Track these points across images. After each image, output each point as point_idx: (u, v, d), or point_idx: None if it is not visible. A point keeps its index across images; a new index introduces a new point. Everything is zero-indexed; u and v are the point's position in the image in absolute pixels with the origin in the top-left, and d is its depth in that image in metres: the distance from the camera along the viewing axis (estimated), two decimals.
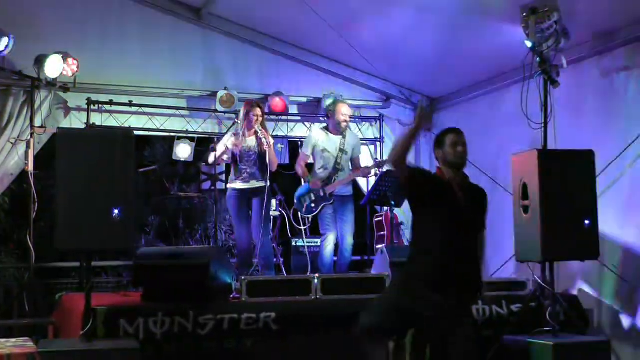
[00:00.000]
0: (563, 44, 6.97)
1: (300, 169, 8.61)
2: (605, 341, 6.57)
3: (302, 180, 8.69)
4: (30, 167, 8.15)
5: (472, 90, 9.53)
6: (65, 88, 8.50)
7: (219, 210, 9.45)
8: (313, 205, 8.44)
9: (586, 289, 7.52)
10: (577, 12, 7.00)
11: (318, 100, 10.01)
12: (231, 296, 6.77)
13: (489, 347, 6.47)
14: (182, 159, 9.68)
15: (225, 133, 8.88)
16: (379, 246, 9.04)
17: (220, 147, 8.31)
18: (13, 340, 6.12)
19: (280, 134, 9.98)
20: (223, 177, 8.74)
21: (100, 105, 9.11)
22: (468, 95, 9.65)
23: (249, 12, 9.45)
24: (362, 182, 9.82)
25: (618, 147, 7.31)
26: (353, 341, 6.33)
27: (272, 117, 9.78)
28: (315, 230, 8.82)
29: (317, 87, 10.12)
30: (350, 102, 9.76)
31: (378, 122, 10.54)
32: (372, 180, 9.03)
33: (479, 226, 5.30)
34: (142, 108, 9.35)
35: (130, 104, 9.26)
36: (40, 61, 8.20)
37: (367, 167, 8.77)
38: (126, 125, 9.17)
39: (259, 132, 8.18)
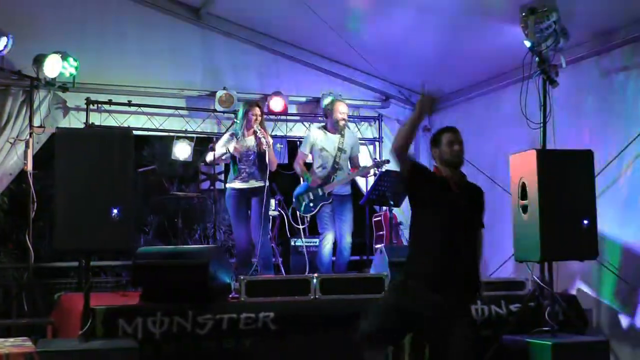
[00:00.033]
0: (562, 44, 6.97)
1: (298, 167, 8.62)
2: (604, 341, 6.57)
3: (301, 179, 8.69)
4: (29, 167, 8.16)
5: (472, 90, 9.53)
6: (64, 88, 8.49)
7: (217, 210, 9.46)
8: (312, 204, 8.44)
9: (585, 288, 7.52)
10: (576, 12, 7.00)
11: (317, 100, 10.02)
12: (230, 296, 6.77)
13: (488, 346, 6.47)
14: (181, 159, 9.68)
15: (224, 133, 8.89)
16: (378, 246, 9.04)
17: (220, 149, 8.32)
18: (11, 339, 6.11)
19: (279, 133, 9.99)
20: (222, 176, 8.74)
21: (99, 105, 9.12)
22: (467, 95, 9.65)
23: (248, 12, 9.45)
24: (361, 181, 9.82)
25: (617, 147, 7.31)
26: (352, 342, 6.37)
27: (271, 116, 9.77)
28: (314, 230, 8.82)
29: (316, 87, 10.13)
30: (349, 102, 9.77)
31: (377, 122, 10.55)
32: (371, 180, 9.03)
33: (476, 224, 5.30)
34: (141, 108, 9.35)
35: (129, 104, 9.26)
36: (39, 61, 8.20)
37: (366, 167, 8.77)
38: (125, 125, 9.17)
39: (258, 131, 8.18)
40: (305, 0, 8.39)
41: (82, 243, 5.63)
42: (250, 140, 8.28)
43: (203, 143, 9.75)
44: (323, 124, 8.77)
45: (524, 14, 6.94)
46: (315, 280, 6.73)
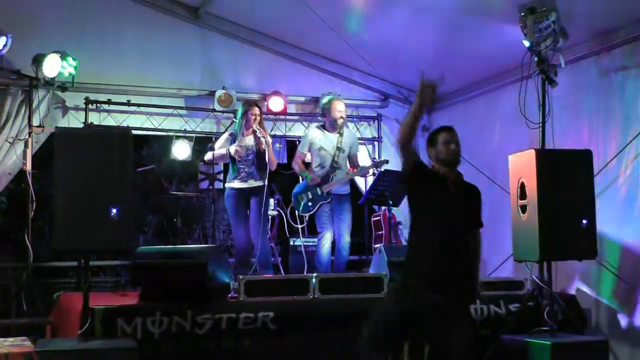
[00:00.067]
0: (561, 44, 6.97)
1: (297, 166, 8.63)
2: (603, 341, 6.58)
3: (300, 178, 8.69)
4: (28, 167, 8.16)
5: (470, 90, 9.54)
6: (63, 87, 8.49)
7: (216, 209, 9.45)
8: (310, 203, 8.44)
9: (584, 288, 7.52)
10: (575, 12, 7.00)
11: (316, 100, 10.01)
12: (229, 296, 6.78)
13: (487, 346, 6.47)
14: (180, 159, 9.68)
15: (224, 132, 8.89)
16: (377, 245, 9.04)
17: (220, 149, 8.32)
18: (11, 339, 6.12)
19: (278, 133, 9.98)
20: (221, 176, 8.73)
21: (98, 105, 9.11)
22: (466, 95, 9.66)
23: (247, 11, 9.45)
24: (360, 181, 9.80)
25: (616, 147, 7.32)
26: (352, 343, 6.37)
27: (270, 116, 9.78)
28: (313, 230, 8.82)
29: (315, 87, 10.12)
30: (348, 101, 9.78)
31: (376, 121, 10.55)
32: (370, 179, 9.03)
33: (475, 224, 5.30)
34: (140, 107, 9.34)
35: (129, 104, 9.26)
36: (38, 60, 8.20)
37: (365, 167, 8.77)
38: (124, 124, 9.16)
39: (258, 131, 8.18)
40: (305, 0, 8.40)
41: (81, 243, 5.63)
42: (250, 140, 8.28)
43: (202, 143, 9.75)
44: (321, 123, 8.77)
45: (523, 13, 6.94)
46: (314, 280, 6.74)
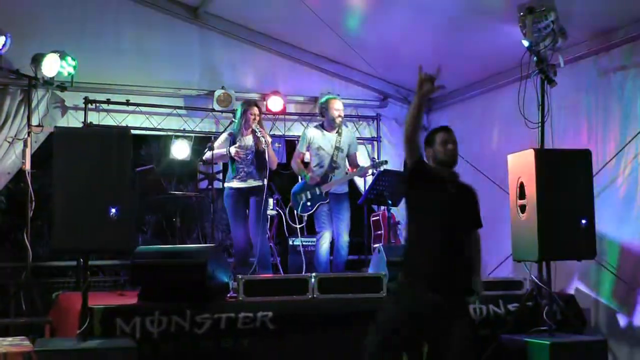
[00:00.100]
0: (560, 44, 6.96)
1: (295, 166, 8.63)
2: (602, 340, 6.58)
3: (299, 178, 8.69)
4: (28, 166, 8.16)
5: (470, 90, 9.54)
6: (62, 87, 8.49)
7: (215, 209, 9.44)
8: (309, 203, 8.45)
9: (583, 288, 7.52)
10: (574, 12, 7.00)
11: (315, 100, 10.01)
12: (228, 295, 6.77)
13: (486, 346, 6.47)
14: (179, 158, 9.68)
15: (223, 132, 8.89)
16: (376, 245, 9.04)
17: (219, 149, 8.32)
18: (10, 339, 6.13)
19: (277, 133, 9.98)
20: (220, 176, 8.73)
21: (97, 104, 9.11)
22: (465, 95, 9.66)
23: (246, 11, 9.45)
24: (359, 180, 9.83)
25: (615, 147, 7.32)
26: (350, 341, 6.38)
27: (269, 116, 9.78)
28: (311, 229, 8.82)
29: (314, 87, 10.12)
30: (347, 101, 9.80)
31: (375, 121, 10.55)
32: (369, 179, 9.03)
33: (475, 224, 5.30)
34: (139, 107, 9.35)
35: (128, 103, 9.26)
36: (37, 60, 8.20)
37: (364, 168, 8.77)
38: (123, 124, 9.17)
39: (257, 131, 8.19)
40: (304, 0, 8.40)
41: (80, 242, 5.62)
42: (249, 140, 8.29)
43: (201, 142, 9.75)
44: (320, 122, 8.77)
45: (522, 13, 6.94)
46: (313, 280, 6.74)
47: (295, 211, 8.73)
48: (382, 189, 8.51)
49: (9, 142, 8.45)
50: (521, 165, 6.68)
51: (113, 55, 9.11)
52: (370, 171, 8.79)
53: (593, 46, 7.58)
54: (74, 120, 9.03)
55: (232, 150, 8.23)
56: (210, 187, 8.57)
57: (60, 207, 5.59)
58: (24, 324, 7.25)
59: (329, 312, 6.57)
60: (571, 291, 7.49)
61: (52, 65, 8.24)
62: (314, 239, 8.66)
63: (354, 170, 8.70)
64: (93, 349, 5.54)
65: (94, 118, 9.11)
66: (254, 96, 9.65)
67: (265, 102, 9.69)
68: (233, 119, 8.77)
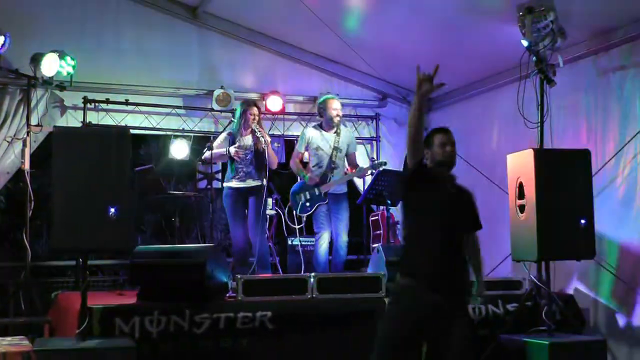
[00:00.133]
0: (559, 44, 6.96)
1: (294, 166, 8.63)
2: (601, 340, 6.58)
3: (298, 178, 8.68)
4: (27, 166, 8.16)
5: (469, 90, 9.53)
6: (61, 87, 8.48)
7: (215, 209, 9.45)
8: (308, 204, 8.45)
9: (582, 288, 7.52)
10: (573, 12, 7.00)
11: (315, 99, 10.00)
12: (227, 295, 6.77)
13: (485, 346, 6.47)
14: (178, 158, 9.67)
15: (222, 132, 8.89)
16: (375, 245, 9.03)
17: (218, 149, 8.32)
18: (9, 338, 6.13)
19: (276, 132, 9.98)
20: (219, 175, 8.73)
21: (96, 104, 9.11)
22: (465, 95, 9.65)
23: (245, 11, 9.45)
24: (358, 180, 9.83)
25: (614, 147, 7.32)
26: (349, 341, 6.38)
27: (268, 115, 9.77)
28: (311, 229, 8.82)
29: (313, 86, 10.13)
30: (346, 101, 9.81)
31: (374, 121, 10.54)
32: (369, 179, 9.03)
33: (473, 225, 5.29)
34: (139, 107, 9.34)
35: (127, 103, 9.25)
36: (36, 60, 8.20)
37: (362, 169, 8.76)
38: (122, 123, 9.17)
39: (256, 130, 8.19)
40: (303, 0, 8.40)
41: (80, 242, 5.62)
42: (248, 140, 8.29)
43: (200, 142, 9.75)
44: (318, 122, 8.77)
45: (521, 13, 6.94)
46: (312, 280, 6.73)
47: (294, 211, 8.73)
48: (381, 189, 8.49)
49: (8, 141, 8.45)
50: (520, 165, 6.68)
51: (112, 55, 9.11)
52: (369, 172, 8.79)
53: (592, 46, 7.58)
54: (73, 119, 9.03)
55: (232, 150, 8.23)
56: (209, 186, 8.57)
57: (59, 206, 5.58)
58: (23, 324, 7.25)
59: (328, 312, 6.57)
60: (570, 291, 7.49)
61: (51, 65, 8.23)
62: (313, 239, 8.66)
63: (353, 170, 8.71)
64: (92, 348, 5.55)
65: (93, 118, 9.11)
66: (253, 96, 9.65)
67: (264, 102, 9.68)
68: (232, 119, 8.77)
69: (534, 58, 6.82)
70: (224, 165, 8.69)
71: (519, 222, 6.66)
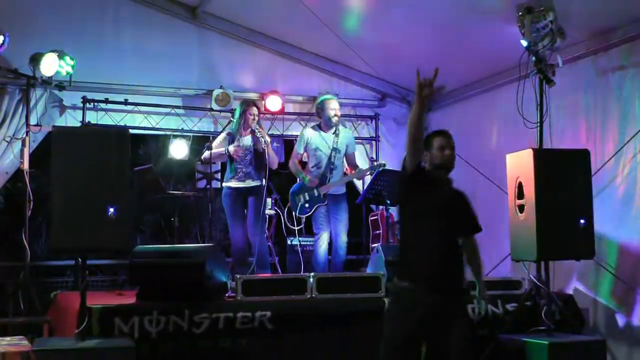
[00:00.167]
0: (558, 43, 6.96)
1: (293, 166, 8.62)
2: (600, 340, 6.58)
3: (297, 179, 8.67)
4: (26, 166, 8.15)
5: (468, 90, 9.53)
6: (60, 86, 8.49)
7: (214, 209, 9.45)
8: (307, 205, 8.45)
9: (582, 288, 7.52)
10: (572, 12, 7.00)
11: (314, 99, 9.99)
12: (226, 295, 6.77)
13: (485, 346, 6.47)
14: (177, 158, 9.67)
15: (221, 132, 8.89)
16: (375, 245, 9.03)
17: (218, 148, 8.31)
18: (8, 338, 6.12)
19: (276, 132, 9.98)
20: (218, 175, 8.73)
21: (95, 104, 9.11)
22: (464, 95, 9.65)
23: (244, 11, 9.45)
24: (357, 181, 9.83)
25: (613, 147, 7.32)
26: (348, 341, 6.38)
27: (268, 115, 9.77)
28: (310, 229, 8.82)
29: (313, 86, 10.12)
30: (346, 101, 9.82)
31: (374, 121, 10.54)
32: (368, 178, 9.02)
33: (471, 227, 5.29)
34: (138, 107, 9.35)
35: (126, 103, 9.26)
36: (35, 59, 8.20)
37: (362, 170, 8.75)
38: (121, 123, 9.18)
39: (256, 130, 8.18)
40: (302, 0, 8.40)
41: (79, 242, 5.62)
42: (247, 140, 8.29)
43: (199, 142, 9.75)
44: (317, 123, 8.76)
45: (520, 13, 6.94)
46: (311, 280, 6.73)
47: (293, 212, 8.72)
48: (380, 189, 8.49)
49: (7, 141, 8.45)
50: (520, 165, 6.67)
51: (111, 55, 9.10)
52: (368, 173, 8.78)
53: (591, 46, 7.57)
54: (72, 119, 9.03)
55: (231, 148, 8.22)
56: (208, 186, 8.57)
57: (58, 206, 5.58)
58: (22, 324, 7.24)
59: (328, 312, 6.56)
60: (570, 291, 7.49)
61: (50, 65, 8.23)
62: (312, 239, 8.66)
63: (353, 172, 8.71)
64: (91, 348, 5.54)
65: (92, 117, 9.10)
66: (253, 96, 9.65)
67: (263, 102, 9.69)
68: (231, 119, 8.76)
69: (534, 58, 6.82)
70: (223, 165, 8.69)
71: (518, 222, 6.66)
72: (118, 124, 9.15)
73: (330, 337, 6.46)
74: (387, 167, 8.57)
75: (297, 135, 8.99)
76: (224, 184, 8.41)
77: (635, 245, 7.05)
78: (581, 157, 6.68)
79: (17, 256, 10.13)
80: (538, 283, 6.63)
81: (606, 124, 7.47)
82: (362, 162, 9.48)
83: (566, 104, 7.73)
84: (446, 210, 5.06)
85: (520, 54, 6.87)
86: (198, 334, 6.14)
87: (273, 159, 8.25)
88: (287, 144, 10.01)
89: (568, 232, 6.47)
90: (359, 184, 9.95)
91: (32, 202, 8.13)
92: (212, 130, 9.72)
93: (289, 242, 9.33)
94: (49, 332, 6.94)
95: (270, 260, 8.69)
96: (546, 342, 6.09)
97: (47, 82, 8.37)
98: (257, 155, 8.25)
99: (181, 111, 9.65)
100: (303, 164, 8.71)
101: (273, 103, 9.80)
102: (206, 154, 8.35)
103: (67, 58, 8.36)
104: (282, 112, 9.94)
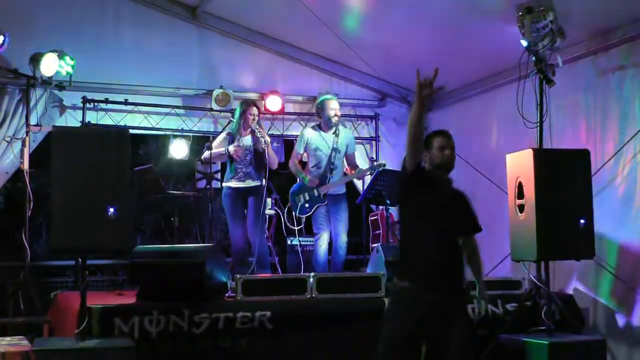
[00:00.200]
0: (558, 43, 6.96)
1: (293, 167, 8.62)
2: (600, 340, 6.58)
3: (297, 179, 8.67)
4: (26, 166, 8.15)
5: (468, 90, 9.53)
6: (60, 86, 8.48)
7: (214, 209, 9.46)
8: (307, 205, 8.44)
9: (582, 288, 7.52)
10: (572, 12, 7.00)
11: (314, 99, 9.99)
12: (226, 295, 6.77)
13: (485, 346, 6.47)
14: (177, 158, 9.67)
15: (221, 132, 8.88)
16: (375, 245, 9.03)
17: (218, 148, 8.31)
18: (8, 338, 6.12)
19: (275, 132, 9.98)
20: (218, 175, 8.73)
21: (95, 104, 9.11)
22: (464, 95, 9.65)
23: (244, 11, 9.44)
24: (357, 180, 9.82)
25: (613, 147, 7.31)
26: (348, 341, 6.37)
27: (268, 115, 9.77)
28: (310, 229, 8.82)
29: (313, 86, 10.12)
30: (346, 101, 9.81)
31: (374, 120, 10.54)
32: (368, 178, 9.02)
33: (471, 227, 5.29)
34: (138, 107, 9.34)
35: (126, 103, 9.26)
36: (35, 59, 8.19)
37: (362, 170, 8.75)
38: (121, 123, 9.18)
39: (256, 131, 8.18)
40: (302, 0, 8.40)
41: (79, 242, 5.62)
42: (247, 140, 8.28)
43: (199, 142, 9.75)
44: (317, 123, 8.75)
45: (520, 13, 6.94)
46: (311, 280, 6.73)
47: (293, 212, 8.72)
48: (380, 189, 8.48)
49: (7, 141, 8.45)
50: (520, 165, 6.67)
51: (111, 55, 9.10)
52: (367, 173, 8.78)
53: (591, 46, 7.57)
54: (72, 119, 9.03)
55: (231, 148, 8.22)
56: (208, 186, 8.57)
57: (58, 206, 5.58)
58: (22, 324, 7.24)
59: (328, 312, 6.56)
60: (570, 291, 7.49)
61: (50, 65, 8.23)
62: (312, 239, 8.66)
63: (353, 172, 8.70)
64: (91, 348, 5.54)
65: (92, 117, 9.10)
66: (253, 96, 9.66)
67: (263, 102, 9.69)
68: (231, 119, 8.76)
69: (533, 58, 6.82)
70: (223, 165, 8.69)
71: (518, 222, 6.66)
72: (118, 124, 9.16)
73: (330, 337, 6.46)
74: (387, 167, 8.57)
75: (297, 135, 8.99)
76: (224, 184, 8.41)
77: (635, 245, 7.05)
78: (581, 157, 6.68)
79: (17, 256, 10.13)
80: (538, 283, 6.63)
81: (606, 124, 7.47)
82: (362, 162, 9.48)
83: (566, 104, 7.74)
84: (446, 210, 5.06)
85: (520, 54, 6.87)
86: (198, 334, 6.14)
87: (273, 159, 8.25)
88: (287, 144, 10.01)
89: (568, 232, 6.47)
90: (359, 184, 9.95)
91: (32, 202, 8.13)
92: (212, 130, 9.72)
93: (289, 242, 9.33)
94: (49, 332, 6.94)
95: (270, 260, 8.69)
96: (546, 342, 6.09)
97: (47, 82, 8.37)
98: (257, 155, 8.25)
99: (181, 111, 9.65)
100: (303, 164, 8.71)
101: (273, 103, 9.80)
102: (206, 154, 8.36)
103: (67, 58, 8.36)
104: (282, 112, 9.94)
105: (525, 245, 6.56)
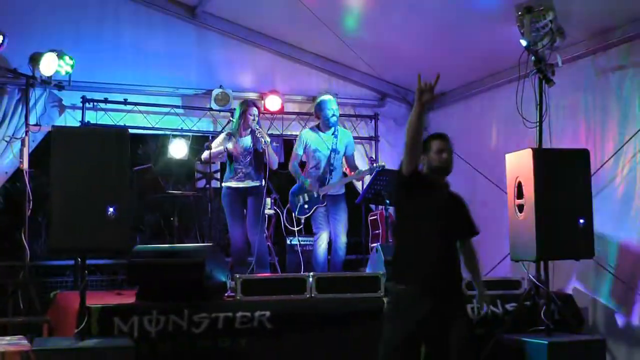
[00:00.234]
0: (558, 43, 6.96)
1: (293, 168, 8.61)
2: (600, 340, 6.58)
3: (297, 180, 8.66)
4: (25, 165, 8.15)
5: (468, 89, 9.53)
6: (60, 86, 8.49)
7: (213, 208, 9.46)
8: (306, 206, 8.44)
9: (581, 288, 7.52)
10: (572, 11, 7.00)
11: (314, 99, 9.99)
12: (226, 295, 6.77)
13: (484, 345, 6.47)
14: (176, 158, 9.67)
15: (221, 132, 8.88)
16: (374, 245, 9.03)
17: (217, 148, 8.31)
18: (7, 338, 6.12)
19: (275, 132, 9.98)
20: (218, 175, 8.73)
21: (95, 104, 9.11)
22: (463, 95, 9.65)
23: (244, 10, 9.44)
24: (356, 181, 9.82)
25: (613, 146, 7.31)
26: (348, 341, 6.37)
27: (267, 115, 9.77)
28: (309, 229, 8.82)
29: (312, 86, 10.12)
30: (345, 100, 9.81)
31: (373, 120, 10.54)
32: (367, 178, 9.02)
33: (468, 230, 5.28)
34: (137, 106, 9.34)
35: (125, 102, 9.26)
36: (35, 59, 8.19)
37: (361, 172, 8.73)
38: (121, 123, 9.18)
39: (256, 131, 8.18)
40: None
41: (78, 242, 5.62)
42: (247, 140, 8.28)
43: (199, 141, 9.75)
44: (316, 124, 8.74)
45: (520, 13, 6.94)
46: (311, 279, 6.73)
47: (292, 213, 8.71)
48: (379, 188, 8.48)
49: (6, 141, 8.45)
50: (519, 164, 6.68)
51: (111, 55, 9.10)
52: (367, 174, 8.77)
53: (591, 46, 7.57)
54: (71, 119, 9.03)
55: (230, 145, 8.21)
56: (208, 186, 8.57)
57: (58, 206, 5.58)
58: (21, 323, 7.24)
59: (327, 312, 6.56)
60: (569, 291, 7.49)
61: (49, 64, 8.23)
62: (312, 238, 8.65)
63: (352, 173, 8.69)
64: (91, 348, 5.54)
65: (92, 117, 9.11)
66: (252, 95, 9.66)
67: (263, 102, 9.69)
68: (231, 119, 8.76)
69: (533, 58, 6.81)
70: (223, 165, 8.68)
71: (517, 221, 6.66)
72: (117, 124, 9.16)
73: (330, 337, 6.46)
74: (386, 167, 8.57)
75: (296, 135, 8.98)
76: (223, 184, 8.40)
77: (634, 245, 7.05)
78: (581, 157, 6.68)
79: (16, 256, 10.12)
80: (537, 283, 6.63)
81: (606, 123, 7.47)
82: (362, 162, 9.47)
83: (566, 103, 7.74)
84: (444, 213, 5.07)
85: (519, 53, 6.87)
86: (197, 334, 6.14)
87: (273, 159, 8.24)
88: (287, 144, 10.00)
89: (567, 231, 6.48)
90: (358, 184, 9.94)
91: (31, 202, 8.12)
92: (211, 130, 9.73)
93: (288, 242, 9.33)
94: (48, 331, 6.94)
95: (270, 260, 8.68)
96: (545, 342, 6.09)
97: (46, 82, 8.36)
98: (257, 156, 8.24)
99: (180, 111, 9.65)
100: (302, 165, 8.70)
101: (273, 103, 9.80)
102: (205, 154, 8.35)
103: (67, 58, 8.36)
104: (281, 112, 9.94)
105: (524, 245, 6.56)
